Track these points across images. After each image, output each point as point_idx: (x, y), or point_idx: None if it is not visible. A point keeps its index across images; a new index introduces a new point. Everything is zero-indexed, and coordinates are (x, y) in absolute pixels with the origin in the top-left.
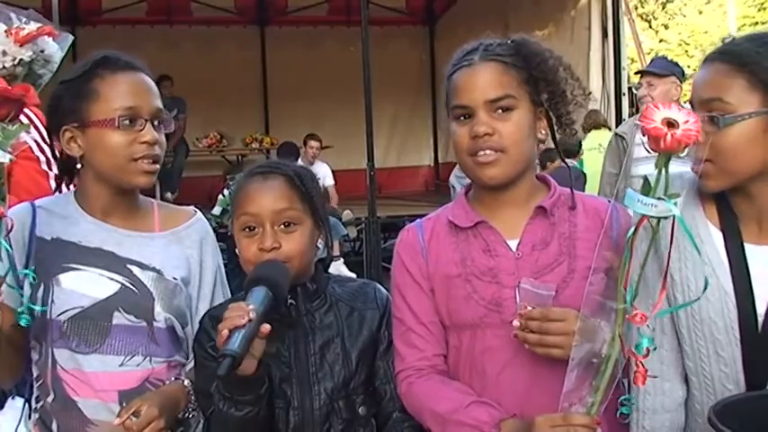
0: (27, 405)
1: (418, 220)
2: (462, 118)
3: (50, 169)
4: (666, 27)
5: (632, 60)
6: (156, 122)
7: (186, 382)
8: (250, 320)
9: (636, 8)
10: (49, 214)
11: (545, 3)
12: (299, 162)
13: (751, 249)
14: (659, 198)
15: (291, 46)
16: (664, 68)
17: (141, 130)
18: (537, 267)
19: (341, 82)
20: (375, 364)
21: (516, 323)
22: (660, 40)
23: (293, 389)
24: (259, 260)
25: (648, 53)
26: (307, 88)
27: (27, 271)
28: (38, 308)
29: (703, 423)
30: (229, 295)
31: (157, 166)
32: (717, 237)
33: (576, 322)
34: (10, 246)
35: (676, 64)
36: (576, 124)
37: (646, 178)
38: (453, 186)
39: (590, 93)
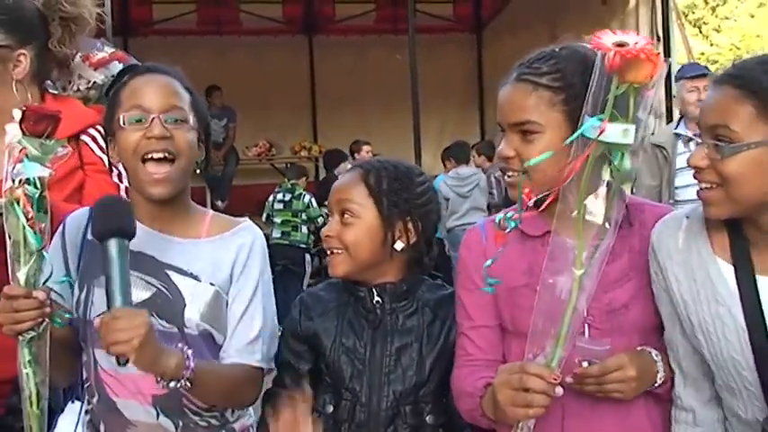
0: (83, 409)
1: (481, 221)
2: (502, 132)
3: (121, 181)
4: (717, 31)
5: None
6: (171, 120)
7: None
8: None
9: (685, 14)
10: None
11: (593, 9)
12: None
13: (764, 282)
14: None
15: (339, 55)
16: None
17: (149, 126)
18: (606, 281)
19: (389, 90)
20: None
21: (569, 380)
22: (711, 45)
23: (363, 386)
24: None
25: (699, 58)
26: (354, 96)
27: (64, 279)
28: (61, 319)
29: None
30: (273, 304)
31: (168, 170)
32: (728, 272)
33: (633, 367)
34: (62, 252)
35: (707, 69)
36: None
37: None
38: (446, 198)
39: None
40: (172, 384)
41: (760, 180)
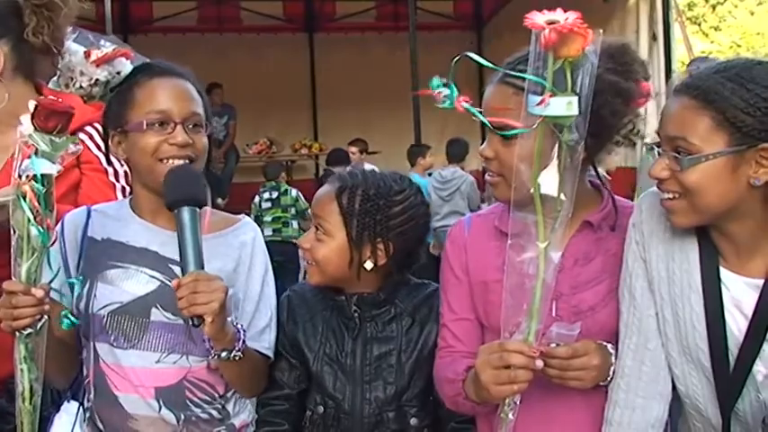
0: (81, 408)
1: (469, 215)
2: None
3: (117, 181)
4: (717, 29)
5: (683, 64)
6: (190, 126)
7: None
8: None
9: (684, 12)
10: (103, 216)
11: (593, 7)
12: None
13: (727, 276)
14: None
15: (340, 52)
16: None
17: (171, 132)
18: (576, 282)
19: (389, 87)
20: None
21: (538, 362)
22: (711, 42)
23: (346, 394)
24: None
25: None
26: (355, 94)
27: (74, 280)
28: (71, 320)
29: None
30: (274, 295)
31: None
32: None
33: (597, 355)
34: (61, 250)
35: None
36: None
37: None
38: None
39: (637, 116)
40: (224, 355)
41: (720, 189)
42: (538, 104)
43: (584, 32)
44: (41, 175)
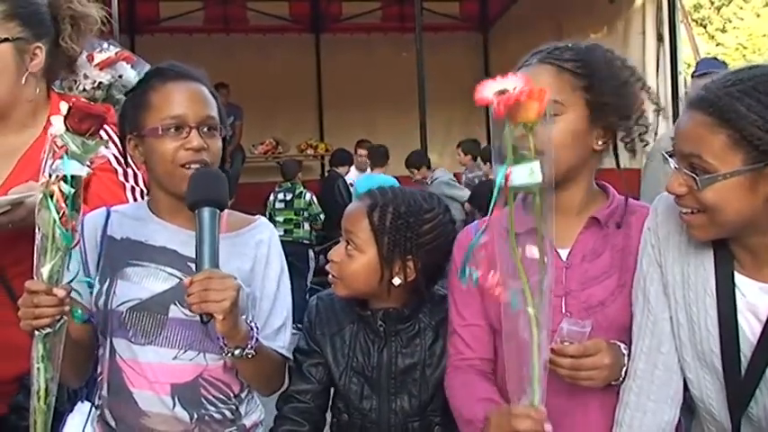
0: (92, 407)
1: (476, 222)
2: None
3: (127, 181)
4: (723, 31)
5: (688, 65)
6: (205, 129)
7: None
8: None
9: (690, 14)
10: (123, 217)
11: (598, 8)
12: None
13: (742, 281)
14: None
15: (346, 53)
16: (718, 69)
17: (187, 137)
18: (585, 278)
19: (395, 88)
20: None
21: (548, 427)
22: (717, 44)
23: (372, 406)
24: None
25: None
26: (361, 95)
27: (87, 279)
28: (79, 313)
29: None
30: (289, 294)
31: None
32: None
33: (608, 354)
34: (81, 250)
35: (725, 64)
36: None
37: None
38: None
39: (661, 108)
40: (237, 352)
41: (738, 206)
42: (504, 180)
43: (539, 96)
44: (70, 176)
